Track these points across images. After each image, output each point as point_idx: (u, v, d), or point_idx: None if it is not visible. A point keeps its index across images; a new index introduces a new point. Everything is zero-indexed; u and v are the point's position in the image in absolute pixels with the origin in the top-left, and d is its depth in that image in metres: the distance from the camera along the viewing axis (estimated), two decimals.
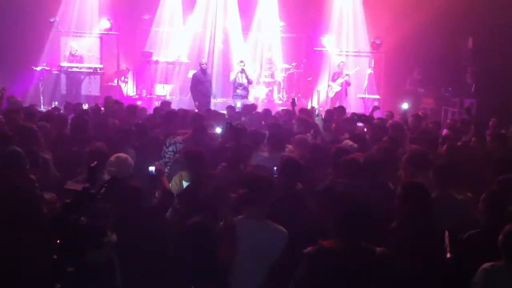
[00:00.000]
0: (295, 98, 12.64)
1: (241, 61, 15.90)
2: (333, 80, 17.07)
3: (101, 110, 10.31)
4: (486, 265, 3.95)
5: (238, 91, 15.72)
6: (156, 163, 5.82)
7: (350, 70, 17.24)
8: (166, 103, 12.19)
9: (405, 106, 13.15)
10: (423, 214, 4.24)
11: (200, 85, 14.96)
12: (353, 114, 9.72)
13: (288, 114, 10.88)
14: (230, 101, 15.31)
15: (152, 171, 5.32)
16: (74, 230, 3.20)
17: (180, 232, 4.41)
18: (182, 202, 5.03)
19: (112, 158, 5.42)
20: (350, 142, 7.14)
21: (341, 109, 11.45)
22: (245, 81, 15.65)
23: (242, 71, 15.60)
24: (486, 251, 4.15)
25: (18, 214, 4.50)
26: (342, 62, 17.28)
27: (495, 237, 4.08)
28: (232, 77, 16.02)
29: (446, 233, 3.91)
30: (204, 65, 15.32)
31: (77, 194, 3.28)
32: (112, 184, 3.42)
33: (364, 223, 3.53)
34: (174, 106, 12.38)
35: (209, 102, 14.98)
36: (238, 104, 14.82)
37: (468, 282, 3.99)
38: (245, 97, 15.73)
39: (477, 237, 4.36)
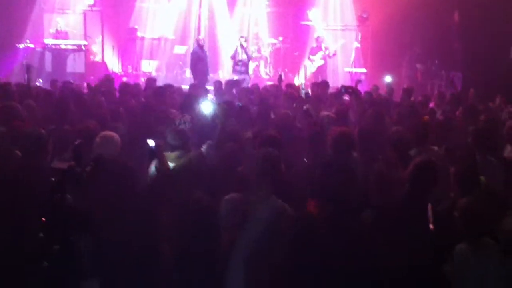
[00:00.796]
0: (282, 73, 12.59)
1: (242, 36, 15.61)
2: (313, 54, 16.93)
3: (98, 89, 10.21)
4: (456, 248, 3.95)
5: (237, 67, 15.29)
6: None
7: (333, 44, 17.20)
8: (151, 80, 12.10)
9: (388, 79, 13.12)
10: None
11: (200, 63, 14.72)
12: (342, 86, 9.70)
13: (276, 89, 10.85)
14: (217, 77, 15.17)
15: (152, 146, 5.05)
16: (60, 209, 3.21)
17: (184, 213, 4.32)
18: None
19: (98, 138, 5.33)
20: (325, 113, 7.14)
21: (325, 83, 11.44)
22: (245, 57, 15.25)
23: (242, 46, 15.23)
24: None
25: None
26: (321, 35, 17.14)
27: None
28: (231, 52, 15.86)
29: (429, 205, 3.95)
30: (202, 41, 15.13)
31: (62, 172, 3.28)
32: (98, 162, 3.43)
33: (350, 187, 3.48)
34: (160, 83, 12.29)
35: (207, 80, 14.62)
36: (235, 78, 14.68)
37: (444, 255, 4.04)
38: (244, 73, 15.26)
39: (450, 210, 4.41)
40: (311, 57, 16.74)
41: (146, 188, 4.81)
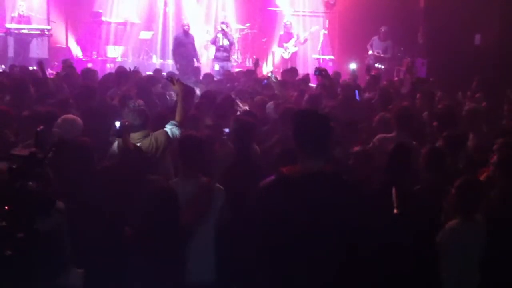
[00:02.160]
0: (258, 58, 12.52)
1: (223, 22, 15.47)
2: (285, 41, 16.91)
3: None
4: (449, 224, 4.14)
5: (219, 53, 15.13)
6: None
7: (302, 30, 17.22)
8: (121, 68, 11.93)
9: (352, 66, 13.21)
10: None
11: (182, 48, 14.59)
12: (316, 68, 9.74)
13: (250, 74, 10.87)
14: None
15: (118, 126, 5.13)
16: (22, 196, 3.14)
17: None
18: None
19: (59, 119, 5.29)
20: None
21: (293, 70, 11.53)
22: (226, 42, 15.12)
23: (224, 32, 15.10)
24: (429, 208, 4.31)
25: None
26: (288, 21, 17.10)
27: (436, 192, 4.26)
28: (209, 37, 15.66)
29: (394, 189, 4.01)
30: (187, 27, 14.95)
31: (24, 159, 3.21)
32: (59, 146, 3.36)
33: (327, 139, 3.23)
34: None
35: (191, 66, 14.17)
36: (217, 67, 14.57)
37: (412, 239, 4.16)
38: (226, 59, 15.11)
39: (419, 193, 4.52)
40: (285, 44, 16.72)
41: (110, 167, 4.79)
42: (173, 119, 5.73)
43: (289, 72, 11.40)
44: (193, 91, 7.89)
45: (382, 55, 14.70)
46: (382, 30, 14.84)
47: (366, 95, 9.10)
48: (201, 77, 11.06)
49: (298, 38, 16.73)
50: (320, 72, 9.11)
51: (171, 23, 17.56)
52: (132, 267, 3.80)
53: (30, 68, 11.61)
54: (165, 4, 17.55)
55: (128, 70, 9.43)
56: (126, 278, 3.90)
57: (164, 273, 3.76)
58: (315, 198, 3.07)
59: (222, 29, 15.14)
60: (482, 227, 4.19)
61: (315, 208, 3.06)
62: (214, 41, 15.25)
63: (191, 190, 4.24)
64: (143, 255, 3.73)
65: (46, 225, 3.23)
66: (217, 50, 15.23)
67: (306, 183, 3.09)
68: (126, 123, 5.21)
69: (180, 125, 5.66)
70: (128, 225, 4.03)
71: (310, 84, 10.94)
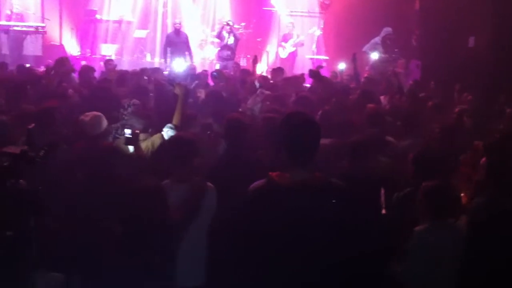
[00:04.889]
0: (256, 55, 12.48)
1: (228, 23, 15.32)
2: (284, 41, 16.97)
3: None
4: (416, 229, 4.04)
5: (223, 52, 15.07)
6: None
7: (300, 30, 17.23)
8: (109, 62, 11.90)
9: (341, 66, 13.19)
10: None
11: (172, 47, 14.46)
12: (310, 70, 9.72)
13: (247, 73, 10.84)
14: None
15: (128, 134, 5.26)
16: (13, 194, 3.13)
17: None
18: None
19: (87, 117, 5.33)
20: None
21: (279, 70, 11.48)
22: (231, 41, 15.03)
23: (231, 30, 15.00)
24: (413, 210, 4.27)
25: None
26: (290, 22, 17.17)
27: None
28: (204, 37, 15.58)
29: (382, 190, 4.00)
30: (178, 25, 14.85)
31: (15, 157, 3.20)
32: (51, 147, 3.34)
33: (317, 147, 3.16)
34: (120, 67, 12.12)
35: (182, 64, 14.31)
36: (217, 67, 14.46)
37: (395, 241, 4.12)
38: (228, 59, 14.93)
39: (408, 196, 4.50)
40: (283, 43, 16.74)
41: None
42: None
43: (276, 71, 11.36)
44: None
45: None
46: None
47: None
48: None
49: (297, 38, 16.75)
50: (314, 74, 9.10)
51: (168, 22, 17.51)
52: (119, 268, 3.75)
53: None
54: (164, 5, 17.54)
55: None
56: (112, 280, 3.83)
57: (151, 276, 3.70)
58: (305, 207, 3.03)
59: (228, 24, 15.03)
60: (455, 233, 4.07)
61: (305, 218, 3.02)
62: (219, 36, 15.14)
63: (183, 192, 4.18)
64: (130, 255, 3.68)
65: (35, 223, 3.20)
66: (221, 49, 15.14)
67: (297, 192, 3.03)
68: (137, 131, 5.32)
69: (176, 128, 5.62)
70: (115, 224, 3.96)
71: (305, 84, 10.95)
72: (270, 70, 13.38)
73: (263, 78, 10.04)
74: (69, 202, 4.14)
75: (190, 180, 4.25)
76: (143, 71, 10.33)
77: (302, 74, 11.33)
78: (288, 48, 16.73)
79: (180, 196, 4.13)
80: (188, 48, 14.81)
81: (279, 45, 16.96)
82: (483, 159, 4.71)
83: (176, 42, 14.58)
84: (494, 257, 4.03)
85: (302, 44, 16.98)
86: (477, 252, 4.08)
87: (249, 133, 5.32)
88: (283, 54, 16.75)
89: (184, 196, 4.14)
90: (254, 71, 10.65)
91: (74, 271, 3.86)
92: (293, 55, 16.83)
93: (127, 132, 5.24)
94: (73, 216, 4.06)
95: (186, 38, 14.99)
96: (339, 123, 5.99)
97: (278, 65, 15.98)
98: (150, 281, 3.66)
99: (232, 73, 12.34)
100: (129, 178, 4.33)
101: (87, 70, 9.73)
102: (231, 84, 9.27)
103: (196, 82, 9.90)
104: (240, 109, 7.37)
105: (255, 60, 10.74)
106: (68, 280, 3.80)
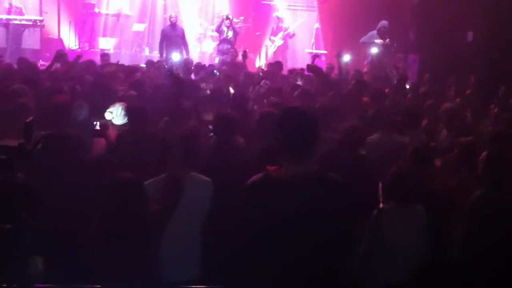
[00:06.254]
0: (247, 50, 12.47)
1: (227, 18, 15.21)
2: (274, 34, 16.94)
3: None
4: (380, 207, 4.16)
5: (222, 46, 14.93)
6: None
7: (292, 23, 17.22)
8: (105, 55, 11.88)
9: (347, 58, 13.12)
10: None
11: (167, 41, 14.31)
12: (307, 65, 9.72)
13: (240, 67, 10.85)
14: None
15: (96, 124, 5.34)
16: (10, 187, 3.14)
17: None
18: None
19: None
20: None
21: (278, 63, 11.47)
22: (230, 35, 14.92)
23: (230, 23, 14.94)
24: None
25: None
26: (279, 15, 17.08)
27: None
28: (203, 31, 15.50)
29: (380, 184, 4.03)
30: (173, 19, 14.68)
31: (12, 150, 3.20)
32: (48, 140, 3.35)
33: (315, 142, 3.15)
34: (119, 61, 12.09)
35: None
36: (217, 60, 14.41)
37: None
38: (228, 53, 14.46)
39: None
40: (272, 37, 16.72)
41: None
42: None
43: (275, 65, 11.35)
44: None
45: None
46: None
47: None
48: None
49: (285, 31, 16.71)
50: (312, 69, 9.11)
51: (167, 15, 17.44)
52: (99, 259, 3.74)
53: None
54: None
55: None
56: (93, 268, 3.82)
57: (133, 268, 3.68)
58: (303, 202, 3.02)
59: (228, 18, 14.99)
60: (411, 218, 4.25)
61: (302, 212, 3.02)
62: (218, 30, 15.09)
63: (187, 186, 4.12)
64: (110, 249, 3.66)
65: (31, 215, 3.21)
66: (220, 43, 15.10)
67: (292, 186, 3.03)
68: (106, 123, 5.38)
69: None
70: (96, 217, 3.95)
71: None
72: (267, 63, 13.38)
73: (268, 69, 10.12)
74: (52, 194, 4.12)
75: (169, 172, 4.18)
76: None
77: (302, 69, 11.33)
78: (277, 41, 16.70)
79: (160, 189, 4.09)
80: (184, 42, 14.62)
81: (269, 39, 16.88)
82: (483, 153, 4.72)
83: (172, 36, 14.38)
84: (492, 250, 4.10)
85: (292, 36, 16.93)
86: (476, 244, 4.16)
87: (239, 129, 5.31)
88: (272, 47, 16.73)
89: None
90: (245, 65, 10.66)
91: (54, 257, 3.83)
92: (283, 48, 16.77)
93: (97, 124, 5.33)
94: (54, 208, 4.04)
95: (182, 31, 14.80)
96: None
97: (271, 59, 16.05)
98: (131, 273, 3.65)
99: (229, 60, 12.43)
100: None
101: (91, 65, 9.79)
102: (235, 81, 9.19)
103: (201, 75, 9.90)
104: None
105: (245, 55, 10.76)
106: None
